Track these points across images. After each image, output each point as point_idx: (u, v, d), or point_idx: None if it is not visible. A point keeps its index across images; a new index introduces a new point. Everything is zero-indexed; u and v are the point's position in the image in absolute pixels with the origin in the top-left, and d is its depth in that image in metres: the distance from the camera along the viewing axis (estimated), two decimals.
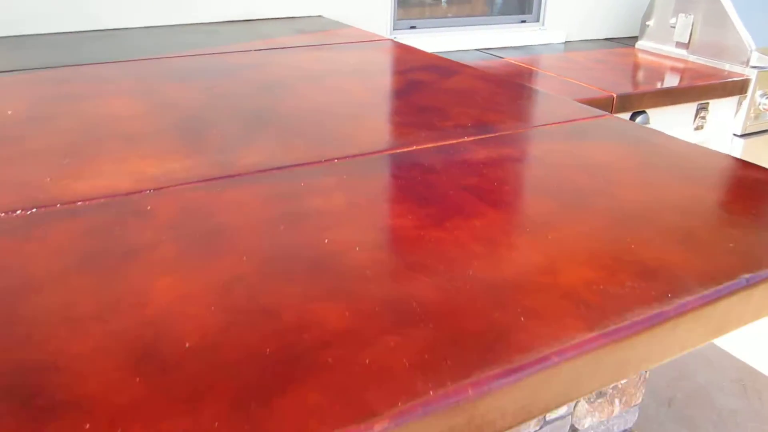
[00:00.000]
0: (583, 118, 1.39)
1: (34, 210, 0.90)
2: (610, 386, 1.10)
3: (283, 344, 0.64)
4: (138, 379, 0.59)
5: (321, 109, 1.40)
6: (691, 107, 2.65)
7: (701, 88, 2.61)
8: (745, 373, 2.40)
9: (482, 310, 0.71)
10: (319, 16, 2.60)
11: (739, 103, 2.76)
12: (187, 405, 0.56)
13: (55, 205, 0.92)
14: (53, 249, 0.81)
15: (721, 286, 0.76)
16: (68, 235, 0.84)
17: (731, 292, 0.76)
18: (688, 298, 0.74)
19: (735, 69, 2.77)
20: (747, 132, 2.82)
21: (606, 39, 3.35)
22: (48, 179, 1.00)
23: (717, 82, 2.64)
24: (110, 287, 0.73)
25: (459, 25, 2.99)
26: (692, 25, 2.91)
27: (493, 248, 0.84)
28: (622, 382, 1.34)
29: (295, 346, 0.64)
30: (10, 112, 1.31)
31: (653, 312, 0.71)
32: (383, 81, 1.66)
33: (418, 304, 0.71)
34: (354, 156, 1.14)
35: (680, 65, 2.88)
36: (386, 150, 1.17)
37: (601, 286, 0.76)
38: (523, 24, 3.15)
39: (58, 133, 1.21)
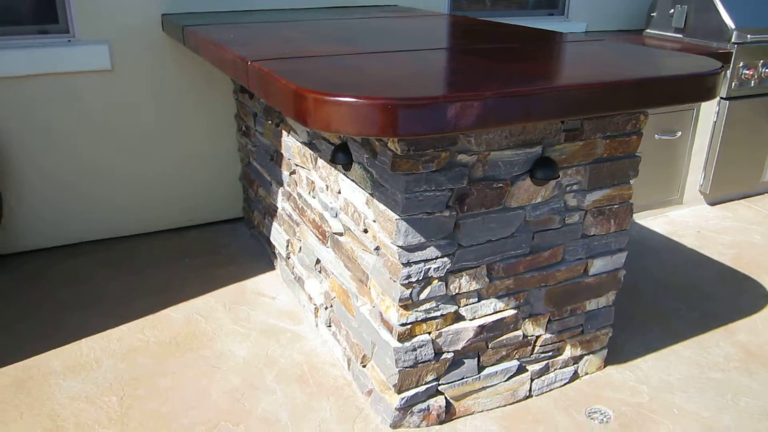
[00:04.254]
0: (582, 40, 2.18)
1: (287, 58, 1.72)
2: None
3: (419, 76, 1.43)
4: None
5: (409, 35, 2.21)
6: None
7: None
8: (728, 272, 3.10)
9: (522, 79, 1.49)
10: (395, 5, 3.44)
11: (724, 73, 3.50)
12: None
13: (297, 57, 1.73)
14: (318, 64, 1.61)
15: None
16: (315, 63, 1.65)
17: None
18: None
19: (721, 45, 3.52)
20: (731, 96, 3.55)
21: (619, 30, 4.13)
22: (286, 51, 1.82)
23: (704, 54, 3.39)
24: (339, 69, 1.53)
25: (498, 16, 3.81)
26: (686, 13, 3.67)
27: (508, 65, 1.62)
28: (615, 206, 2.08)
29: (429, 77, 1.42)
30: (231, 36, 2.15)
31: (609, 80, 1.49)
32: (447, 25, 2.47)
33: (467, 73, 1.50)
34: (384, 51, 1.94)
35: (677, 45, 3.63)
36: (405, 49, 1.97)
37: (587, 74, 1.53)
38: (551, 16, 3.95)
39: (269, 41, 2.03)
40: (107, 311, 2.65)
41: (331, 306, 2.33)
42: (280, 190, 2.70)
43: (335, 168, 2.08)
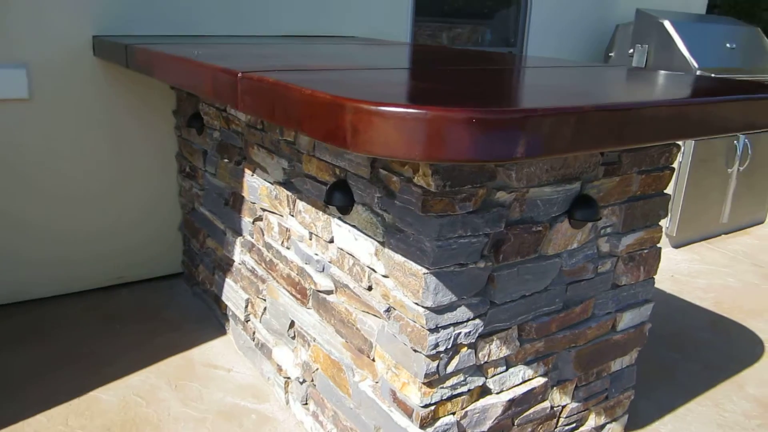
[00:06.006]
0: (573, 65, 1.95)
1: (283, 70, 1.35)
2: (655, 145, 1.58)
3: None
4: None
5: (399, 57, 1.91)
6: None
7: None
8: (714, 318, 2.93)
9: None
10: (353, 36, 3.15)
11: None
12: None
13: (294, 70, 1.38)
14: (329, 77, 1.25)
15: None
16: (323, 76, 1.29)
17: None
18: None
19: None
20: None
21: None
22: (276, 65, 1.45)
23: None
24: (361, 81, 1.19)
25: None
26: (647, 53, 3.61)
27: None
28: (645, 250, 1.82)
29: (477, 90, 1.11)
30: (197, 52, 1.76)
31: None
32: (405, 49, 2.19)
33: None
34: (387, 68, 1.64)
35: None
36: (405, 67, 1.69)
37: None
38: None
39: (247, 57, 1.66)
40: (17, 396, 2.09)
41: (312, 380, 1.92)
42: (239, 240, 2.28)
43: (325, 212, 1.71)
